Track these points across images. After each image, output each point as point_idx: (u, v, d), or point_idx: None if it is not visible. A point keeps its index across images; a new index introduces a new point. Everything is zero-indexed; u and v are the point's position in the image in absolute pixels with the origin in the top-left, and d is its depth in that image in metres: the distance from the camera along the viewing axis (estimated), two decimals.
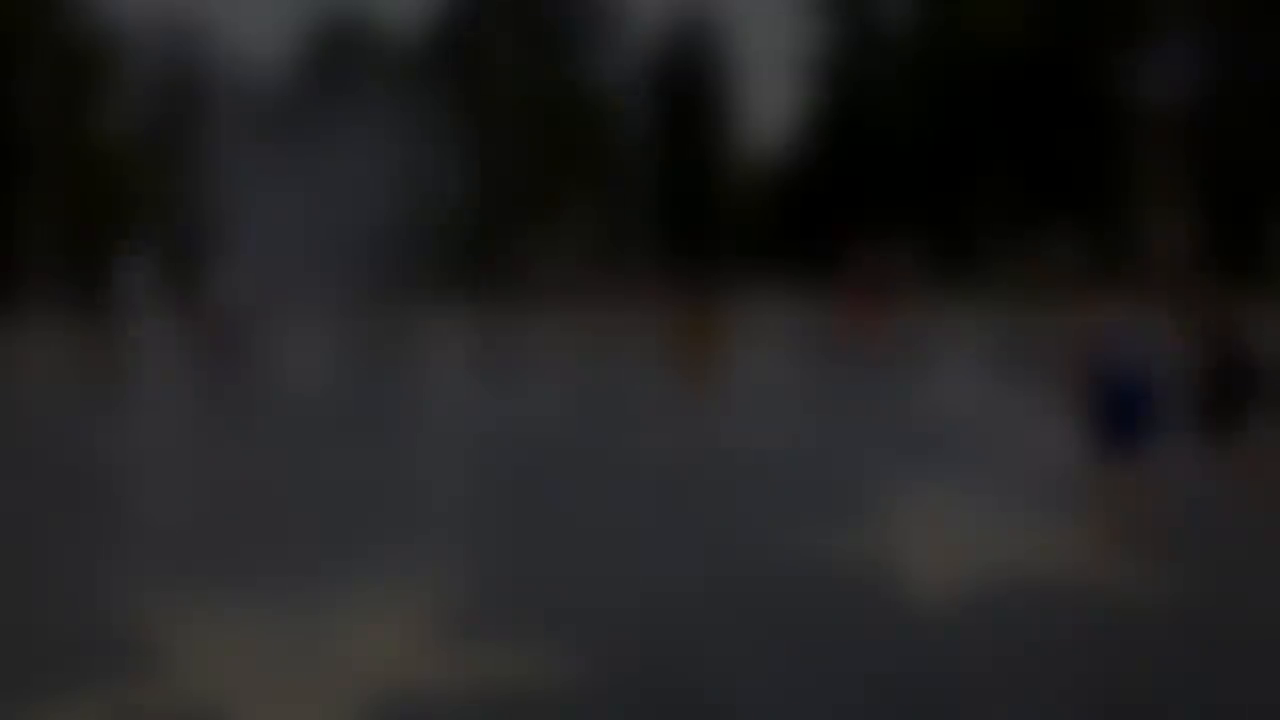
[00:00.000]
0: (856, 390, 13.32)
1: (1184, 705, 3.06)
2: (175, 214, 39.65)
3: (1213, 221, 45.72)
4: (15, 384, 14.84)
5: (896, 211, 51.18)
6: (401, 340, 16.94)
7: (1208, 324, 5.86)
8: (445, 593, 4.71)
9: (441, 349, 17.49)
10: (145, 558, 5.59)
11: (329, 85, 50.40)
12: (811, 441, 9.31)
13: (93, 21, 45.68)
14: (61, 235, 33.72)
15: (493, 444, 9.36)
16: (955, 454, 8.09)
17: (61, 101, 40.25)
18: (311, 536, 5.84)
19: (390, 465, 8.58)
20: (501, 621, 4.33)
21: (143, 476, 8.34)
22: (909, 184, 50.23)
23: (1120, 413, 5.58)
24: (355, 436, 9.93)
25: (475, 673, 3.49)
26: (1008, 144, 45.20)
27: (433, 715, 3.02)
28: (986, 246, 48.86)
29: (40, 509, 7.07)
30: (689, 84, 58.72)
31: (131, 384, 12.45)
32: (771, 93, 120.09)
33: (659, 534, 6.03)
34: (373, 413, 11.97)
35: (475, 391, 13.64)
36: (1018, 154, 44.98)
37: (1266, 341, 6.77)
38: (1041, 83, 43.31)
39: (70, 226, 37.00)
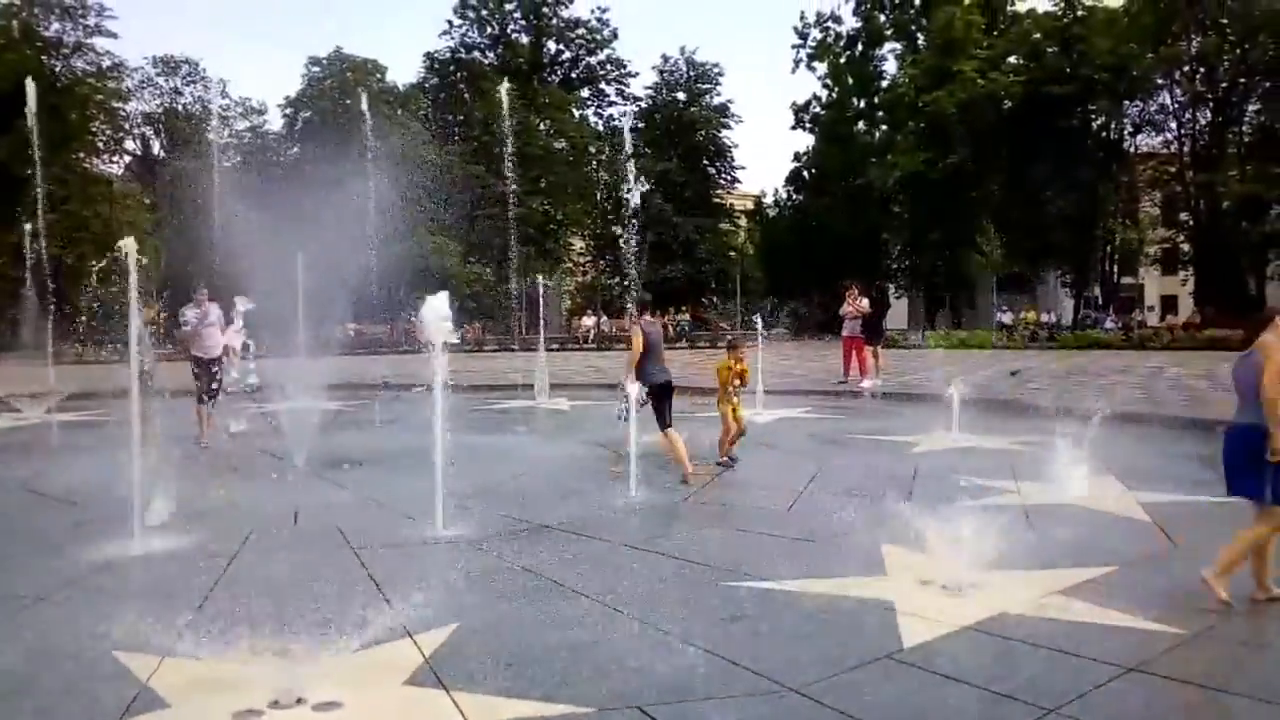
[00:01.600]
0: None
1: None
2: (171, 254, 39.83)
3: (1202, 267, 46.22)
4: None
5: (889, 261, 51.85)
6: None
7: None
8: None
9: None
10: None
11: (327, 123, 50.78)
12: None
13: (91, 59, 46.19)
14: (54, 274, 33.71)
15: None
16: None
17: (58, 140, 40.50)
18: None
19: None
20: None
21: None
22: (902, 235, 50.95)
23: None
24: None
25: None
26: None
27: None
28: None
29: None
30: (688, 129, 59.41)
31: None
32: (768, 141, 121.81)
33: None
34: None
35: None
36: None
37: None
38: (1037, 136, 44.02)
39: (62, 266, 37.03)
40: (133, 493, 7.01)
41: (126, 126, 51.32)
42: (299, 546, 7.08)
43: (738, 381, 10.29)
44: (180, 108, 57.23)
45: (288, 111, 56.08)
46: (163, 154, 56.23)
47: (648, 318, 9.94)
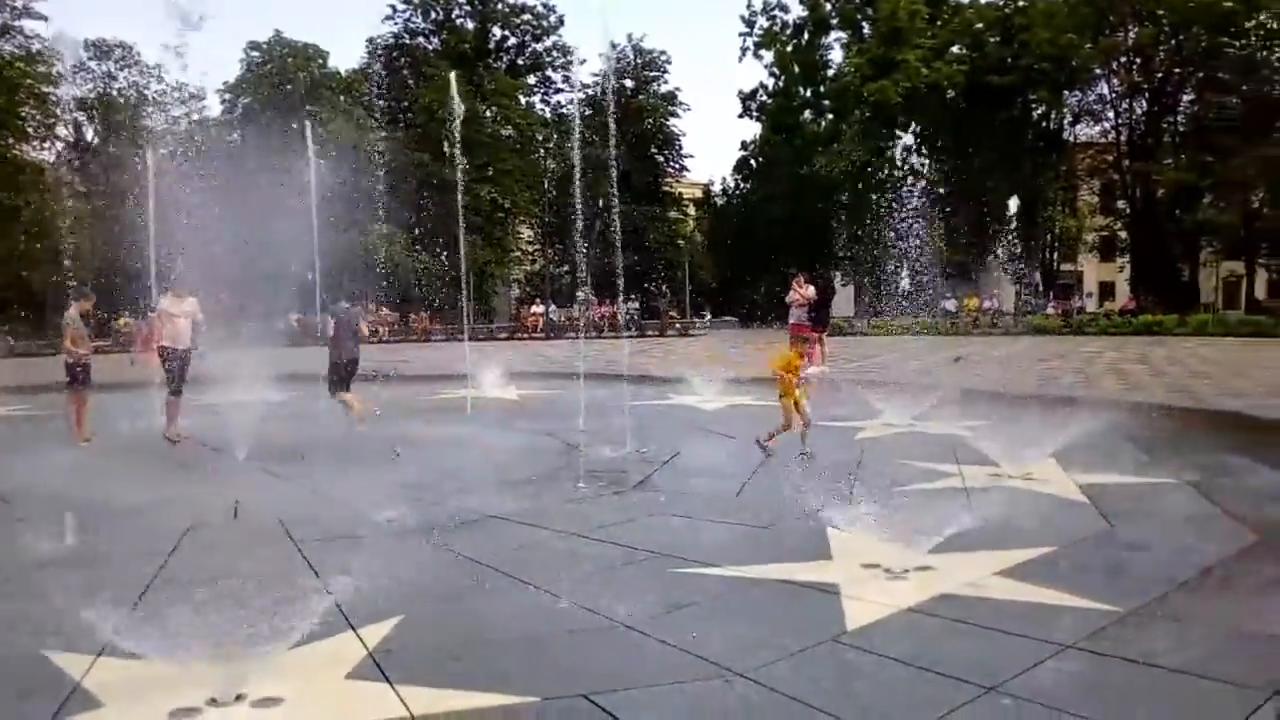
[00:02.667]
0: None
1: None
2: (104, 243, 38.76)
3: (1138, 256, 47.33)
4: None
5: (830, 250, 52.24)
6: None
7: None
8: None
9: None
10: None
11: (267, 109, 49.82)
12: None
13: (21, 43, 44.75)
14: None
15: None
16: None
17: None
18: None
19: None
20: None
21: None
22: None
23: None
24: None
25: None
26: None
27: None
28: None
29: None
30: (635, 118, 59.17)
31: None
32: (716, 129, 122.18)
33: None
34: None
35: None
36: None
37: None
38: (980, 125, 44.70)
39: None
40: (69, 489, 6.83)
41: (58, 112, 49.72)
42: (239, 540, 6.95)
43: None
44: (115, 93, 55.55)
45: (227, 97, 54.86)
46: (96, 140, 54.61)
47: (344, 304, 12.55)
